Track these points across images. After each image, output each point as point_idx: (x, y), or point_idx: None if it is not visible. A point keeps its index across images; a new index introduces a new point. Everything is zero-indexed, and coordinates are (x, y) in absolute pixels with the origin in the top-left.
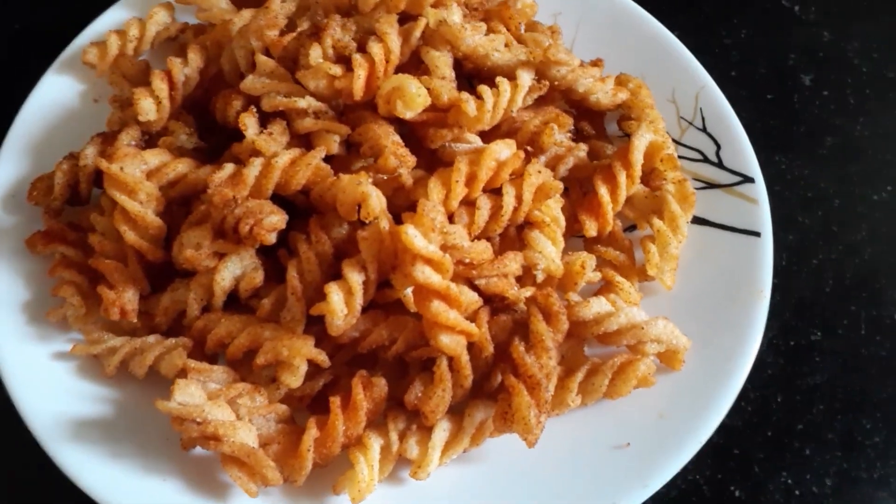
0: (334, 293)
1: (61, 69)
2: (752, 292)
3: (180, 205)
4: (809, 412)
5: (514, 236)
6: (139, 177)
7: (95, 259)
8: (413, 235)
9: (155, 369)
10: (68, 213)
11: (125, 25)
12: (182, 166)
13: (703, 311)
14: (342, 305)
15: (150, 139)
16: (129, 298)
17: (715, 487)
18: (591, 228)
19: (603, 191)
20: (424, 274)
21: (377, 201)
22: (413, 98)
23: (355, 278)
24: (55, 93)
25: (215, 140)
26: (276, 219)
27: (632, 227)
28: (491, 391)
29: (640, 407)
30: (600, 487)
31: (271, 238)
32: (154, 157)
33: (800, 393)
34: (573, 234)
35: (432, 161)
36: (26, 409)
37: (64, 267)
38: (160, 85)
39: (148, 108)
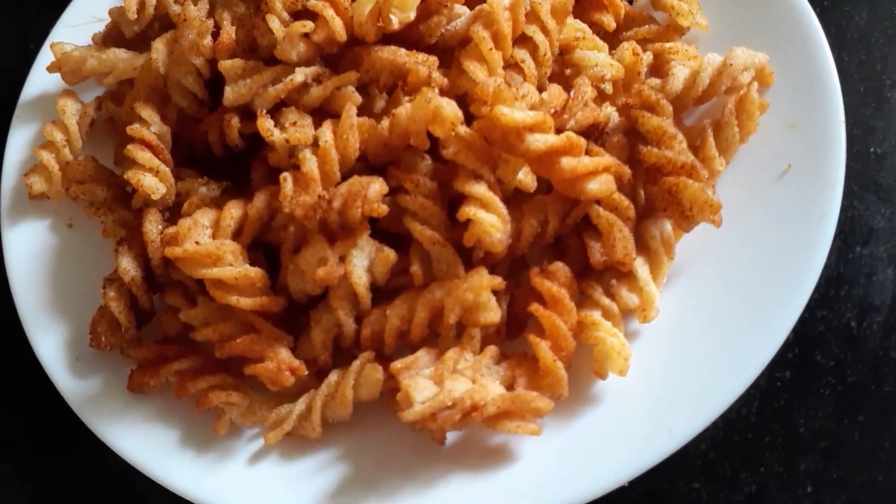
0: (476, 211)
1: (13, 218)
2: None
3: (252, 250)
4: None
5: (559, 72)
6: (215, 242)
7: (222, 348)
8: (509, 112)
9: (358, 400)
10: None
11: (45, 135)
12: (235, 210)
13: None
14: (491, 216)
15: (170, 216)
16: (286, 356)
17: None
18: (609, 21)
19: None
20: (539, 140)
21: (452, 108)
22: None
23: (480, 188)
24: (27, 242)
25: (227, 175)
26: (377, 185)
27: (629, 1)
28: (647, 206)
29: None
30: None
31: (385, 208)
32: (204, 217)
33: None
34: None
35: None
36: None
37: (193, 380)
38: (144, 154)
39: (153, 183)
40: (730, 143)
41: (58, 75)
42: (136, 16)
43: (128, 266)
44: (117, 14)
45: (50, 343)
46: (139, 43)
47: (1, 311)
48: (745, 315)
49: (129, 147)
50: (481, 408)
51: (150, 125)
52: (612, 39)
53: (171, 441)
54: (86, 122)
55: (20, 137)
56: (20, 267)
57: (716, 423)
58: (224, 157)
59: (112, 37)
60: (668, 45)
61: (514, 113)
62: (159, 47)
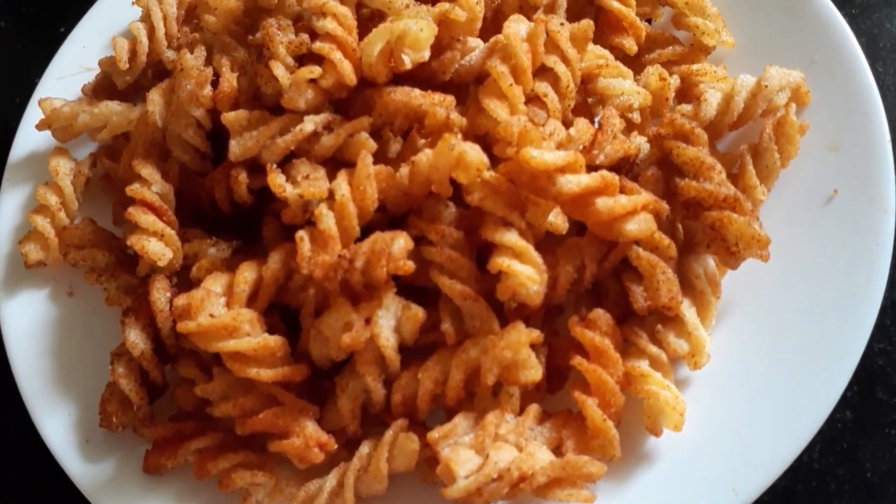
0: (510, 263)
1: (10, 288)
2: None
3: (268, 314)
4: None
5: (582, 102)
6: (230, 313)
7: (244, 424)
8: (538, 154)
9: (392, 472)
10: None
11: (38, 198)
12: (248, 273)
13: None
14: (527, 268)
15: (178, 281)
16: (314, 430)
17: None
18: (630, 45)
19: (614, 3)
20: (572, 181)
21: (476, 154)
22: (418, 36)
23: (511, 237)
24: (26, 314)
25: (237, 233)
26: (402, 241)
27: (647, 22)
28: (686, 242)
29: None
30: None
31: (411, 265)
32: (216, 284)
33: None
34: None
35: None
36: None
37: (214, 459)
38: (147, 217)
39: (159, 249)
40: (770, 169)
41: (48, 132)
42: (127, 65)
43: (136, 339)
44: (108, 64)
45: (57, 425)
46: (132, 93)
47: (1, 390)
48: (804, 356)
49: (131, 210)
50: (530, 478)
51: (151, 184)
52: (635, 63)
53: None
54: (80, 182)
55: (12, 201)
56: (20, 341)
57: None
58: (232, 214)
59: (103, 88)
60: (695, 67)
61: (543, 155)
62: (155, 98)
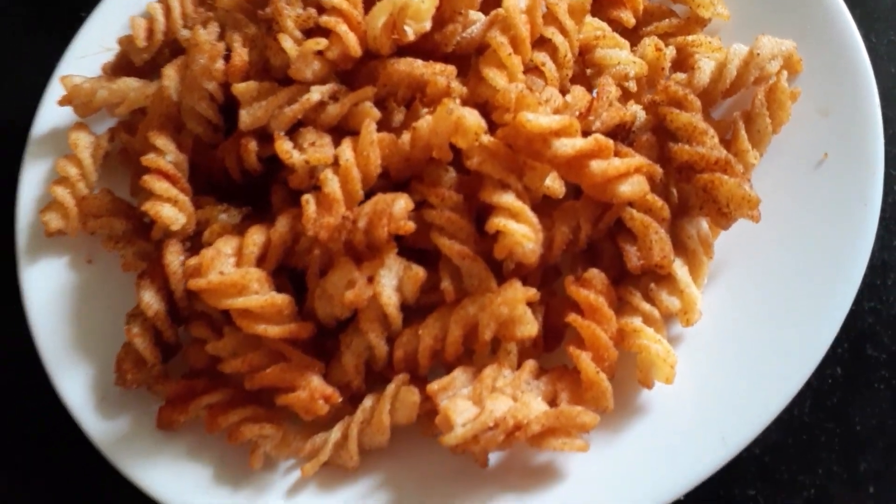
0: (506, 222)
1: (31, 256)
2: None
3: (276, 276)
4: None
5: (581, 72)
6: (239, 271)
7: (252, 379)
8: (534, 118)
9: (395, 425)
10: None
11: (58, 170)
12: (257, 235)
13: None
14: (522, 227)
15: (191, 245)
16: (319, 384)
17: None
18: (628, 18)
19: None
20: (566, 144)
21: (474, 118)
22: (419, 7)
23: (508, 198)
24: (46, 280)
25: (247, 200)
26: (402, 202)
27: None
28: (681, 205)
29: None
30: None
31: (412, 225)
32: (227, 246)
33: None
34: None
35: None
36: None
37: (224, 413)
38: (161, 184)
39: (172, 214)
40: (763, 134)
41: (69, 108)
42: (145, 43)
43: (150, 300)
44: (126, 42)
45: (74, 384)
46: (150, 71)
47: (21, 352)
48: (792, 312)
49: (146, 178)
50: (525, 427)
51: (166, 154)
52: (632, 36)
53: (205, 478)
54: (99, 155)
55: (34, 173)
56: (40, 306)
57: (768, 426)
58: (243, 183)
59: (122, 66)
60: (690, 38)
61: (539, 118)
62: (170, 74)
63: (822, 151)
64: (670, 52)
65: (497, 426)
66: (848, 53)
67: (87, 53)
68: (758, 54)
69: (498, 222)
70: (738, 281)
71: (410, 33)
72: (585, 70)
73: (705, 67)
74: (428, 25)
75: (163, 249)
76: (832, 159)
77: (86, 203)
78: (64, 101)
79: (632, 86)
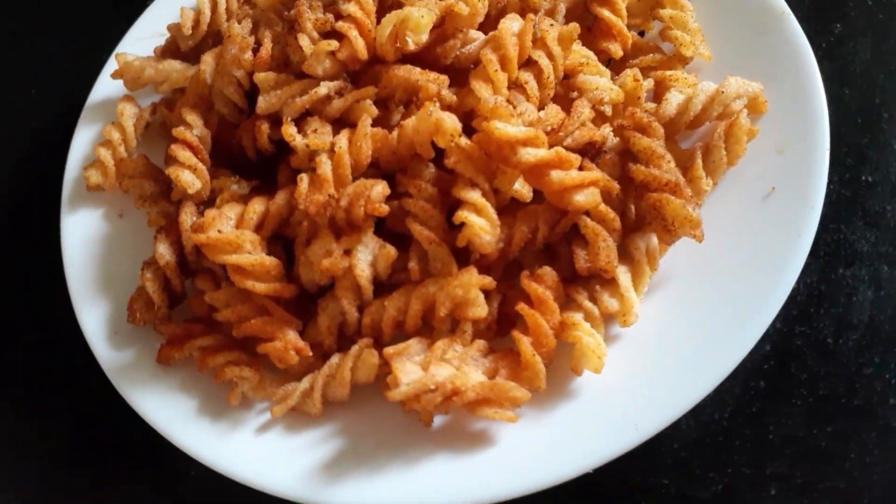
0: (468, 215)
1: (72, 206)
2: None
3: (271, 242)
4: None
5: (564, 94)
6: (235, 231)
7: (239, 328)
8: (502, 127)
9: (355, 382)
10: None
11: (104, 134)
12: (258, 205)
13: None
14: (482, 220)
15: (205, 209)
16: (294, 338)
17: None
18: (616, 50)
19: (606, 13)
20: (530, 153)
21: (451, 121)
22: (419, 21)
23: (474, 195)
24: (82, 228)
25: (258, 176)
26: (380, 187)
27: (641, 34)
28: (637, 221)
29: None
30: None
31: (385, 208)
32: (231, 210)
33: None
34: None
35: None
36: None
37: (213, 355)
38: (185, 153)
39: (190, 179)
40: (717, 165)
41: (121, 82)
42: (190, 31)
43: (164, 252)
44: (175, 29)
45: (93, 317)
46: (194, 56)
47: (53, 290)
48: (716, 325)
49: (172, 147)
50: (462, 393)
51: (193, 128)
52: (620, 66)
53: (191, 409)
54: (141, 125)
55: (84, 135)
56: (74, 249)
57: (689, 424)
58: (256, 160)
59: (170, 50)
60: (669, 72)
61: (507, 128)
62: (208, 60)
63: (771, 185)
64: (648, 83)
65: (437, 389)
66: (809, 100)
67: (143, 36)
68: (723, 92)
69: (462, 214)
70: (676, 293)
71: (410, 44)
72: (569, 93)
73: (673, 100)
74: (425, 38)
75: (179, 209)
76: (779, 193)
77: (123, 164)
78: (116, 75)
79: (607, 110)
